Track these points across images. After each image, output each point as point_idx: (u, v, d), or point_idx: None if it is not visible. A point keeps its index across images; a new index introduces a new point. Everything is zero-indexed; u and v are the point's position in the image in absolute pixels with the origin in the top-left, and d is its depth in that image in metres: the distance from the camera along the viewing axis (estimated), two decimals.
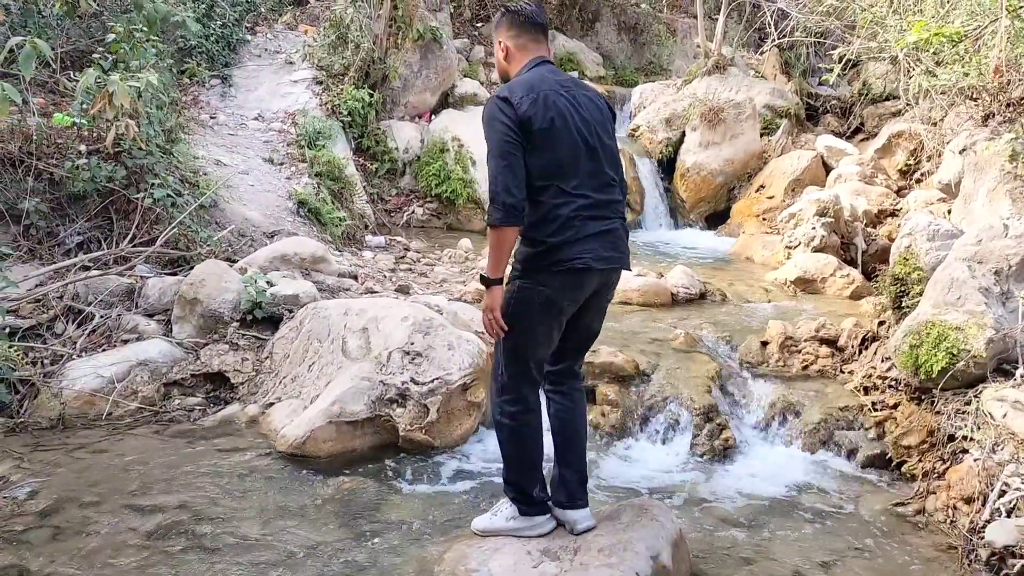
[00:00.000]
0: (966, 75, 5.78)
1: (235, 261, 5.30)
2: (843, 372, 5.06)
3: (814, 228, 7.62)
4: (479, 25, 15.15)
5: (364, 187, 8.23)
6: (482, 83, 13.22)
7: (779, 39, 11.11)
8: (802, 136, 11.55)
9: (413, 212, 8.95)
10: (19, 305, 4.55)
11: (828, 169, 9.91)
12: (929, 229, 4.86)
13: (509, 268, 2.93)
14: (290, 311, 4.58)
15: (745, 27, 13.55)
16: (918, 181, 9.56)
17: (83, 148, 5.15)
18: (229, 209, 5.82)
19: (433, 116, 9.92)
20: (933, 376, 3.98)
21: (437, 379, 4.02)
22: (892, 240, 8.11)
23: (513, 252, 2.90)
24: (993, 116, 6.55)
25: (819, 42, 12.29)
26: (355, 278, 5.77)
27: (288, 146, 7.71)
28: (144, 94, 5.28)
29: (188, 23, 7.48)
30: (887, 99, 12.26)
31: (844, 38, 10.48)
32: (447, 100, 10.20)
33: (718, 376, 4.86)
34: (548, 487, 3.09)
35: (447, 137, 9.34)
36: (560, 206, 2.81)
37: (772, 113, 11.61)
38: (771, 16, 10.62)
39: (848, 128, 12.22)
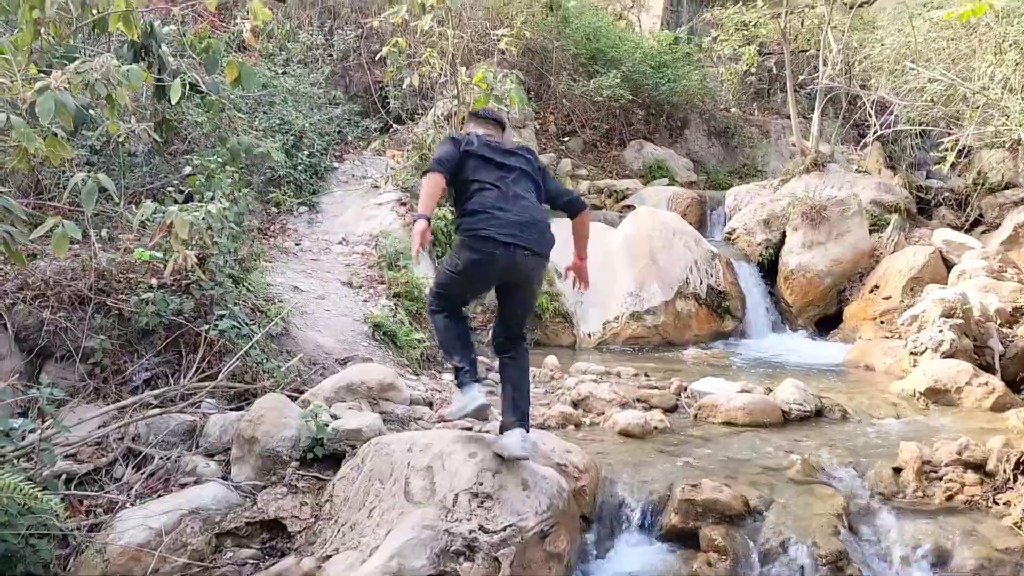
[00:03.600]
0: None
1: (303, 392, 5.01)
2: (997, 503, 4.24)
3: (941, 331, 6.82)
4: (565, 140, 15.20)
5: None
6: None
7: (880, 130, 10.51)
8: (915, 231, 10.75)
9: None
10: (78, 449, 4.35)
11: (948, 265, 9.08)
12: None
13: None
14: (352, 447, 4.19)
15: (842, 123, 13.03)
16: None
17: (153, 282, 5.06)
18: (301, 336, 5.60)
19: None
20: None
21: (510, 526, 3.50)
22: None
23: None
24: None
25: (924, 132, 11.63)
26: (430, 405, 5.38)
27: (369, 268, 7.58)
28: (216, 224, 5.20)
29: (272, 153, 7.63)
30: (1006, 187, 11.39)
31: (952, 126, 9.82)
32: None
33: (845, 512, 4.13)
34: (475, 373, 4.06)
35: None
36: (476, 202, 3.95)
37: (880, 209, 10.90)
38: (871, 107, 10.08)
39: (966, 220, 11.35)
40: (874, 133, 10.21)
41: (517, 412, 3.94)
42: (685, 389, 6.18)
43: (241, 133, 7.65)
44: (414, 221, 3.97)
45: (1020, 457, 4.39)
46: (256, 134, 9.08)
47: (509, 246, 3.86)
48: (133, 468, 4.41)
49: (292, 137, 9.37)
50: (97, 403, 4.79)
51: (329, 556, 3.70)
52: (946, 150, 8.10)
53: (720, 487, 4.12)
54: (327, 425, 4.28)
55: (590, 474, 4.35)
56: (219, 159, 7.15)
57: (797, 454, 4.83)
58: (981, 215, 11.40)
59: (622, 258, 9.13)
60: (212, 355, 4.90)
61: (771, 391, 6.03)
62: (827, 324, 9.66)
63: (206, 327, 4.82)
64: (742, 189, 12.25)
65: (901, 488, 4.45)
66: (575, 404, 5.81)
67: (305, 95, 10.15)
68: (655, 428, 5.34)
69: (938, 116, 9.21)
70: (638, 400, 5.97)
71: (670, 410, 5.94)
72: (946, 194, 12.07)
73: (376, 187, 9.53)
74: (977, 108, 7.36)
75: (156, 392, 4.63)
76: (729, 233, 10.65)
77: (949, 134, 8.92)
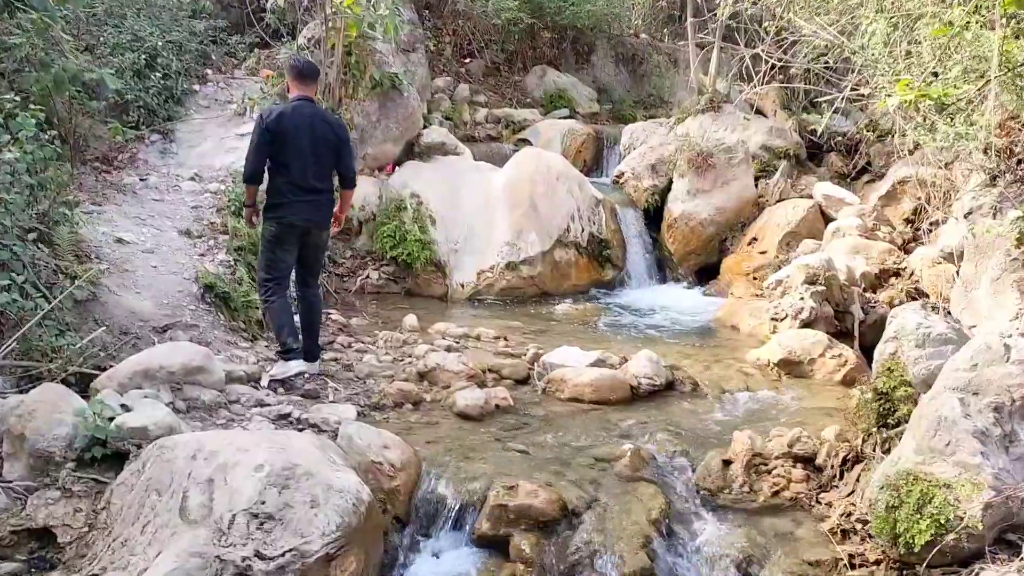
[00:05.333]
0: (963, 135, 4.93)
1: (108, 369, 4.54)
2: (820, 503, 4.20)
3: (802, 298, 6.77)
4: (467, 61, 14.48)
5: None
6: (466, 123, 12.53)
7: (774, 77, 10.27)
8: (803, 179, 10.68)
9: (368, 277, 8.20)
10: None
11: (828, 219, 9.05)
12: (919, 332, 4.02)
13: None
14: (139, 446, 3.80)
15: (740, 59, 12.74)
16: (926, 232, 8.68)
17: None
18: (113, 301, 5.08)
19: (397, 168, 9.19)
20: (916, 550, 3.13)
21: (291, 551, 3.22)
22: (894, 307, 7.27)
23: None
24: (1002, 175, 5.68)
25: (821, 76, 11.44)
26: (256, 381, 5.01)
27: (217, 212, 7.00)
28: (4, 179, 4.58)
29: (107, 80, 6.85)
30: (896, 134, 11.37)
31: (847, 73, 9.63)
32: (412, 150, 9.46)
33: (664, 515, 4.01)
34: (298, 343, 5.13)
35: (405, 193, 8.60)
36: (281, 184, 5.00)
37: (770, 154, 10.76)
38: (765, 58, 9.80)
39: (853, 168, 11.33)
40: (760, 80, 9.93)
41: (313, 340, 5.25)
42: (539, 358, 5.97)
43: (70, 56, 6.84)
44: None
45: (847, 454, 4.34)
46: (101, 52, 8.23)
47: (305, 226, 5.09)
48: None
49: (144, 56, 8.51)
50: None
51: (96, 575, 3.36)
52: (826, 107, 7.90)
53: (536, 491, 3.92)
54: (112, 419, 3.86)
55: (408, 471, 4.10)
56: (40, 87, 6.40)
57: (631, 442, 4.69)
58: (869, 163, 11.40)
59: (502, 204, 8.75)
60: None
61: (625, 361, 5.87)
62: (707, 274, 9.57)
63: None
64: (638, 127, 11.91)
65: (728, 483, 4.36)
66: (421, 376, 5.53)
67: (163, 7, 9.21)
68: (496, 407, 5.11)
69: (826, 66, 8.97)
70: (490, 370, 5.73)
71: (522, 381, 5.73)
72: (838, 139, 12.00)
73: (240, 115, 8.80)
74: (858, 66, 7.13)
75: None
76: (617, 177, 10.35)
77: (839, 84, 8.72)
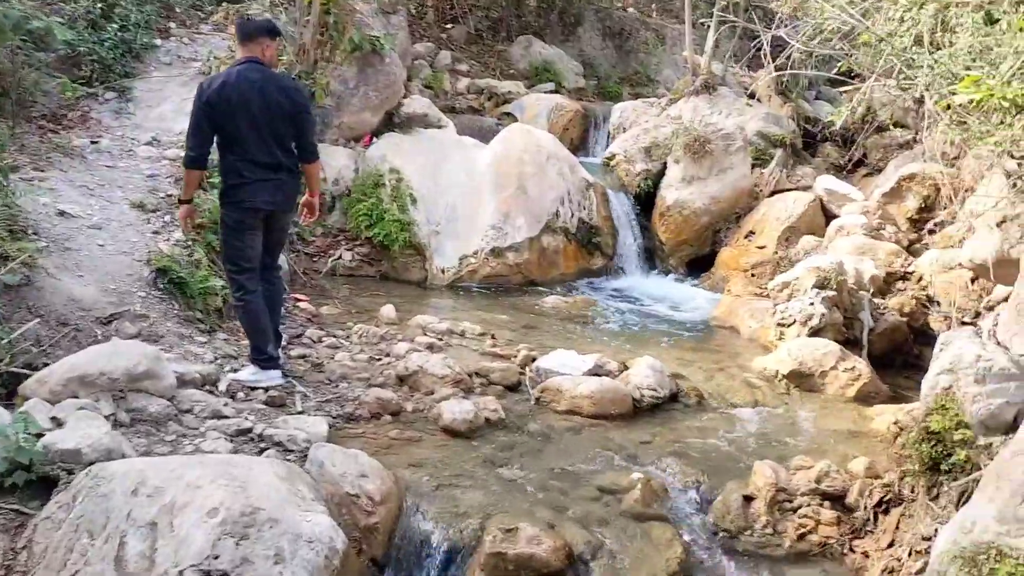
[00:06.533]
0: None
1: (42, 368, 3.89)
2: (854, 551, 3.73)
3: (812, 304, 6.28)
4: (448, 27, 13.76)
5: None
6: (447, 92, 11.84)
7: (774, 63, 9.74)
8: (798, 169, 10.22)
9: (340, 257, 7.55)
10: None
11: (828, 215, 8.60)
12: (978, 366, 3.52)
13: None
14: (70, 472, 3.18)
15: (738, 40, 12.21)
16: (931, 232, 8.27)
17: None
18: (51, 286, 4.39)
19: (375, 139, 8.51)
20: None
21: None
22: (904, 315, 6.84)
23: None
24: None
25: (823, 62, 10.94)
26: (213, 384, 4.38)
27: (177, 183, 6.29)
28: None
29: (56, 30, 6.10)
30: (896, 126, 10.92)
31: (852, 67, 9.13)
32: (392, 120, 8.77)
33: (682, 565, 3.51)
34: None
35: (384, 168, 7.94)
36: (235, 162, 4.34)
37: (765, 142, 10.26)
38: (767, 44, 9.26)
39: (849, 160, 10.89)
40: (767, 69, 9.40)
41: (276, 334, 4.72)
42: (533, 361, 5.42)
43: (14, 1, 6.06)
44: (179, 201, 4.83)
45: (883, 495, 3.86)
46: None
47: (268, 209, 4.47)
48: None
49: (100, 4, 7.70)
50: None
51: None
52: (848, 102, 7.40)
53: (538, 537, 3.37)
54: (38, 438, 3.23)
55: (387, 506, 3.54)
56: None
57: (638, 467, 4.18)
58: (865, 155, 10.98)
59: (488, 184, 8.13)
60: None
61: (626, 369, 5.35)
62: (699, 265, 9.09)
63: None
64: (628, 106, 11.35)
65: (750, 523, 3.87)
66: (401, 380, 4.95)
67: None
68: (486, 421, 4.56)
69: (838, 49, 8.45)
70: (477, 374, 5.17)
71: (512, 388, 5.18)
72: (833, 128, 11.54)
73: (204, 74, 8.03)
74: (880, 55, 6.61)
75: None
76: (609, 158, 9.76)
77: (849, 75, 8.21)
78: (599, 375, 5.22)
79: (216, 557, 2.73)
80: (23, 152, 6.08)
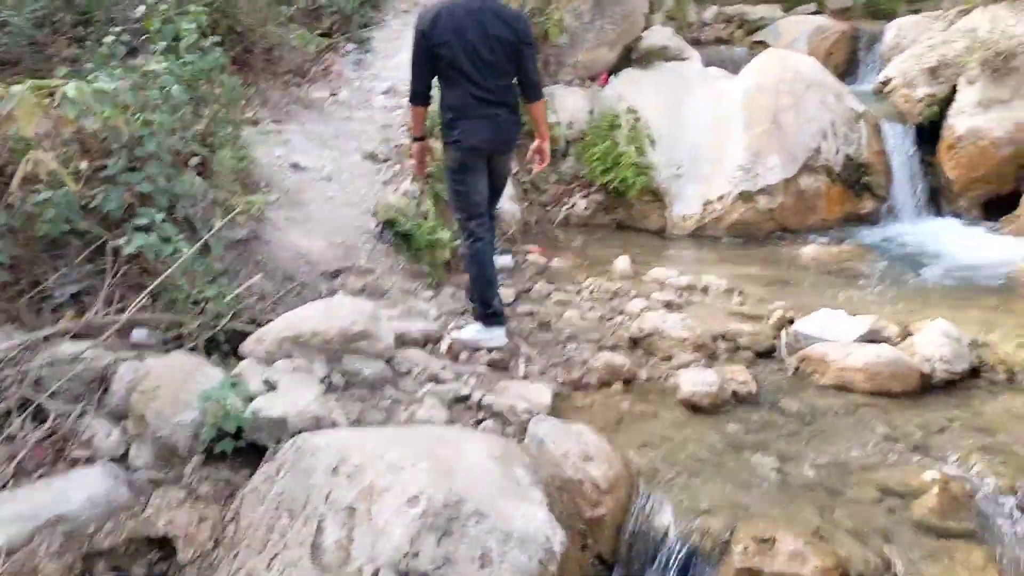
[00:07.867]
0: None
1: (266, 324, 3.81)
2: None
3: None
4: None
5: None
6: (691, 24, 10.90)
7: None
8: None
9: (573, 206, 7.10)
10: None
11: None
12: None
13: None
14: (278, 440, 3.00)
15: None
16: None
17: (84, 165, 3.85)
18: (278, 239, 4.34)
19: (612, 77, 7.89)
20: None
21: None
22: None
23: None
24: None
25: None
26: (436, 342, 4.11)
27: (410, 130, 6.13)
28: (152, 94, 3.88)
29: None
30: None
31: None
32: (630, 56, 8.09)
33: None
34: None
35: (620, 107, 7.31)
36: (450, 97, 4.12)
37: None
38: None
39: None
40: None
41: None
42: (790, 323, 4.63)
43: None
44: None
45: None
46: None
47: (487, 149, 4.23)
48: (34, 422, 3.42)
49: None
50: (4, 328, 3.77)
51: None
52: None
53: (804, 553, 2.70)
54: (251, 402, 3.09)
55: (616, 494, 3.04)
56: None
57: (932, 462, 3.32)
58: None
59: (736, 120, 7.24)
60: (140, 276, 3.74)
61: (909, 335, 4.40)
62: (998, 208, 7.54)
63: (123, 240, 3.62)
64: (906, 22, 9.72)
65: None
66: (634, 343, 4.41)
67: None
68: (734, 394, 3.89)
69: None
70: (722, 338, 4.49)
71: (764, 354, 4.45)
72: None
73: None
74: None
75: (56, 328, 3.53)
76: (883, 83, 8.37)
77: None
78: (875, 342, 4.32)
79: (415, 555, 2.38)
80: (267, 106, 6.20)
